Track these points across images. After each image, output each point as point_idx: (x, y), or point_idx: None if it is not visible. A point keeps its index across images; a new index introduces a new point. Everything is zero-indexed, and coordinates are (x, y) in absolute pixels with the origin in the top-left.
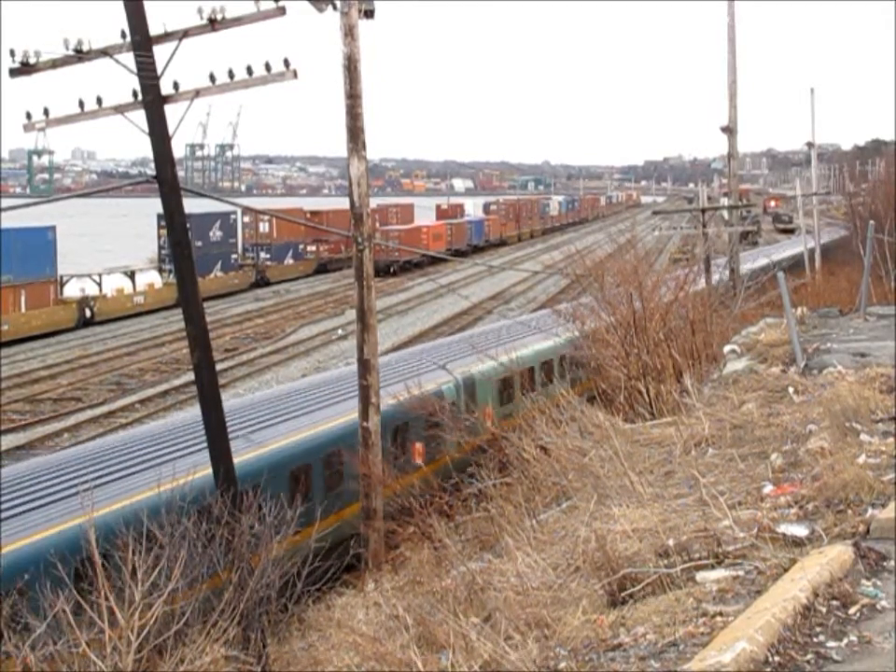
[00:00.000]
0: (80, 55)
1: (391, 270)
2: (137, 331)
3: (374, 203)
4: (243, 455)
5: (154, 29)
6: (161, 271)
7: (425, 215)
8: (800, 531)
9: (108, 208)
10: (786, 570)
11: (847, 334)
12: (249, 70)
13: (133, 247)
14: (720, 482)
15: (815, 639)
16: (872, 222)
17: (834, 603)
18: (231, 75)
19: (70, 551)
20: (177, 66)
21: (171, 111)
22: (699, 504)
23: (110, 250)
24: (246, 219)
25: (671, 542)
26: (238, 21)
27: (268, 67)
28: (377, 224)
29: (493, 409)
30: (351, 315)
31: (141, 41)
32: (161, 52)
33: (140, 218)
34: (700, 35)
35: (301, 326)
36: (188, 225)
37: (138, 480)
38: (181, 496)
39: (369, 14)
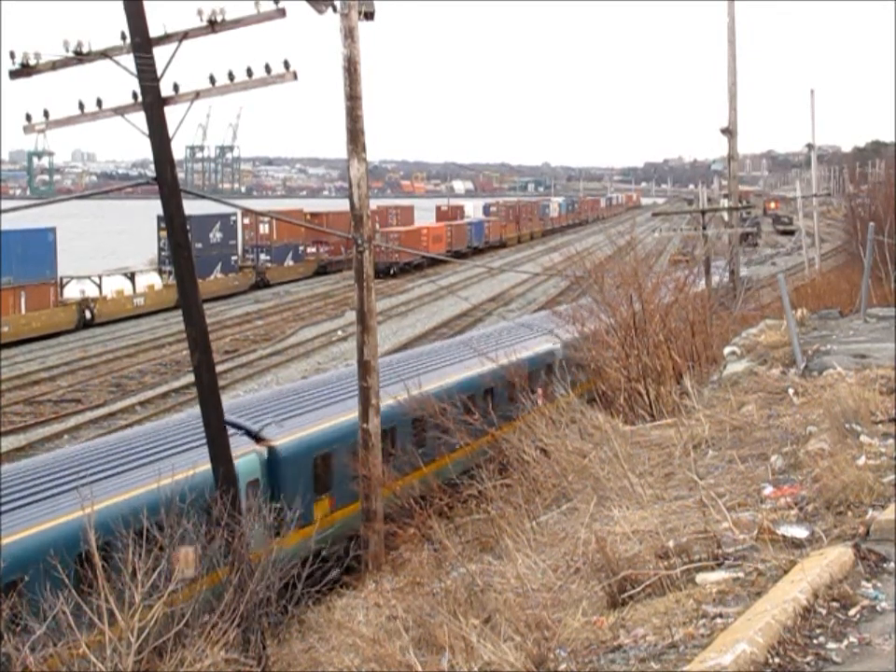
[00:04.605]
0: (80, 57)
1: (391, 271)
2: (137, 333)
3: (374, 204)
4: None
5: (154, 31)
6: (160, 272)
7: (425, 216)
8: (800, 533)
9: (110, 209)
10: (786, 572)
11: (846, 336)
12: (249, 72)
13: (132, 247)
14: (719, 483)
15: (815, 641)
16: (872, 224)
17: (834, 605)
18: (230, 76)
19: None
20: (177, 68)
21: (171, 113)
22: (699, 506)
23: (116, 250)
24: (246, 221)
25: (671, 544)
26: (238, 23)
27: (268, 69)
28: (377, 226)
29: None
30: (351, 316)
31: (141, 43)
32: (160, 54)
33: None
34: (700, 36)
35: (302, 327)
36: (188, 226)
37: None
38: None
39: (368, 16)
